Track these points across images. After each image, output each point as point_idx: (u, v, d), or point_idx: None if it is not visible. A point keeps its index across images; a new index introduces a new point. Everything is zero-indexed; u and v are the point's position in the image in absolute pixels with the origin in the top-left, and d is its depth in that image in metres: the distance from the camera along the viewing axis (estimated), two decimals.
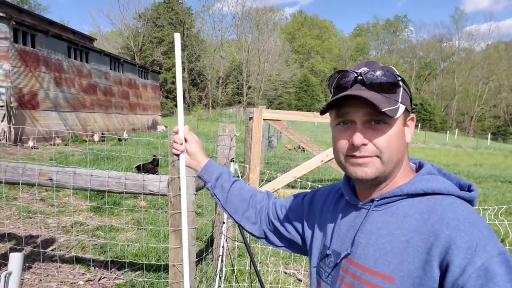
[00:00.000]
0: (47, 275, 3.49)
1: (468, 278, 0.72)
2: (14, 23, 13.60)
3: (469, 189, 0.91)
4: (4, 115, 13.23)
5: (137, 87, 25.64)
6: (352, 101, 0.87)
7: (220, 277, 3.27)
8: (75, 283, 3.40)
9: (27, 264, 3.57)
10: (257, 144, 5.50)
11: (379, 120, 0.87)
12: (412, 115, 0.95)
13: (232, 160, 3.35)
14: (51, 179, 2.73)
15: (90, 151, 9.10)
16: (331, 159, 5.27)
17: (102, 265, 3.77)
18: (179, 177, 2.37)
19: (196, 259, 2.62)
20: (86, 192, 4.99)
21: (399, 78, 0.89)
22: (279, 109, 48.97)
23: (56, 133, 15.11)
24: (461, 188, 0.92)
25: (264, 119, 5.64)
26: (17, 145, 10.93)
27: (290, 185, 6.15)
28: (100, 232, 4.73)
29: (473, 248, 0.74)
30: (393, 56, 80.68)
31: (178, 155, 1.32)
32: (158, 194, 2.67)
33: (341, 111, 0.90)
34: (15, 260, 1.46)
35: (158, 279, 3.40)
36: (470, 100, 69.67)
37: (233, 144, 3.38)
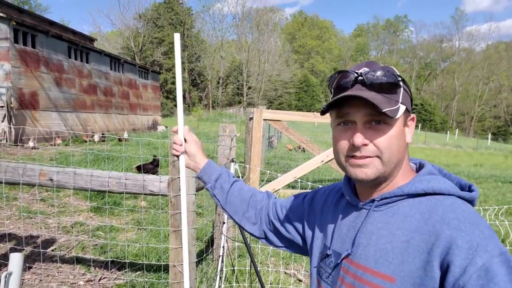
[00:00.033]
0: (48, 276, 3.49)
1: (469, 278, 0.72)
2: (14, 23, 13.61)
3: (470, 189, 0.91)
4: (5, 116, 13.23)
5: (138, 88, 25.65)
6: (352, 102, 0.87)
7: (220, 278, 3.27)
8: (75, 283, 3.40)
9: (27, 265, 3.57)
10: (258, 144, 5.50)
11: (379, 120, 0.87)
12: (412, 115, 0.95)
13: (232, 160, 3.35)
14: (51, 180, 2.73)
15: (90, 151, 9.10)
16: (331, 160, 5.27)
17: (102, 265, 3.77)
18: (179, 177, 2.38)
19: (197, 260, 2.62)
20: (86, 192, 4.99)
21: (400, 78, 0.89)
22: (279, 109, 48.95)
23: (56, 133, 15.12)
24: (462, 188, 0.92)
25: (264, 120, 5.64)
26: (18, 145, 10.94)
27: (291, 186, 6.15)
28: (101, 232, 4.73)
29: (474, 248, 0.73)
30: (393, 56, 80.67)
31: (178, 156, 1.33)
32: (158, 195, 2.67)
33: (342, 112, 0.90)
34: (16, 260, 1.46)
35: (159, 280, 3.40)
36: (470, 101, 69.66)
37: (234, 145, 3.38)
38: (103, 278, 3.52)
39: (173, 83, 49.19)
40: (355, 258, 0.91)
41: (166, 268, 3.49)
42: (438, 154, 21.33)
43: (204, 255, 3.80)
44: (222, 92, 58.75)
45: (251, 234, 1.30)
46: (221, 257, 3.33)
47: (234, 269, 3.60)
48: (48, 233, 4.56)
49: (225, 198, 1.30)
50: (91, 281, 3.45)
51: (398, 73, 0.89)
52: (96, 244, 4.31)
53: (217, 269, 3.32)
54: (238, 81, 58.35)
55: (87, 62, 19.27)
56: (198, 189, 2.59)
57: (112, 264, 3.77)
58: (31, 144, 11.98)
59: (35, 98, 14.96)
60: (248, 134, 5.95)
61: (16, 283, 1.45)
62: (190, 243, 2.41)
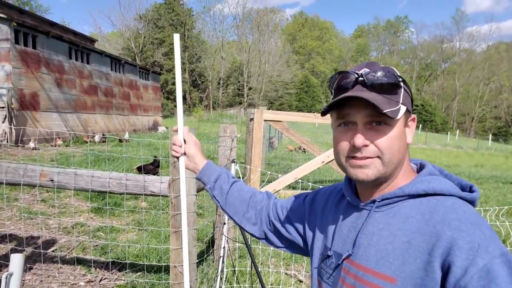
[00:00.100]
0: (48, 276, 3.49)
1: (470, 279, 0.72)
2: (15, 24, 13.63)
3: (471, 190, 0.91)
4: (5, 116, 13.25)
5: (138, 88, 25.67)
6: (353, 102, 0.87)
7: (221, 278, 3.27)
8: (76, 284, 3.40)
9: (28, 265, 3.57)
10: (258, 145, 5.50)
11: (380, 121, 0.87)
12: (413, 115, 0.95)
13: (233, 161, 3.35)
14: (52, 180, 2.73)
15: (91, 152, 9.10)
16: (332, 160, 5.27)
17: (103, 266, 3.76)
18: (180, 178, 2.38)
19: (197, 260, 2.62)
20: (87, 193, 4.99)
21: (400, 79, 0.88)
22: (280, 110, 48.99)
23: (57, 134, 15.13)
24: (463, 189, 0.91)
25: (265, 120, 5.64)
26: (18, 146, 10.94)
27: (291, 186, 6.15)
28: (101, 233, 4.73)
29: (475, 249, 0.73)
30: (394, 57, 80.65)
31: (177, 157, 1.33)
32: (159, 195, 2.67)
33: (342, 112, 0.90)
34: (16, 261, 1.46)
35: (159, 280, 3.40)
36: (471, 101, 69.62)
37: (234, 145, 3.38)
38: (104, 279, 3.52)
39: (174, 84, 49.21)
40: (356, 258, 0.91)
41: (167, 269, 3.49)
42: (439, 155, 21.32)
43: (205, 255, 3.80)
44: (223, 93, 58.77)
45: (251, 234, 1.30)
46: (221, 258, 3.33)
47: (235, 270, 3.60)
48: (48, 234, 4.56)
49: (224, 199, 1.30)
50: (92, 281, 3.45)
51: (399, 74, 0.89)
52: (97, 245, 4.31)
53: (217, 269, 3.32)
54: (238, 81, 58.38)
55: (87, 63, 19.29)
56: (198, 190, 2.59)
57: (113, 265, 3.77)
58: (31, 144, 11.99)
59: (36, 99, 14.98)
60: (248, 134, 5.94)
61: (16, 283, 1.45)
62: (191, 244, 2.41)
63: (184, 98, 52.78)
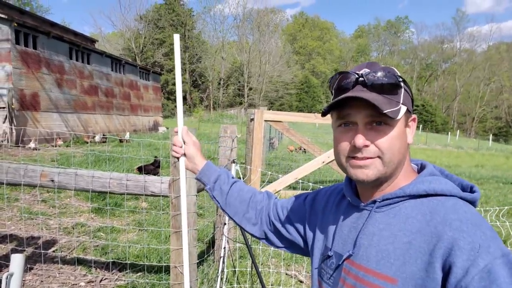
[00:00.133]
0: (49, 277, 3.49)
1: (471, 279, 0.71)
2: (16, 24, 13.64)
3: (472, 190, 0.90)
4: (6, 117, 13.26)
5: (138, 89, 25.68)
6: (353, 103, 0.87)
7: (221, 279, 3.27)
8: (76, 284, 3.40)
9: (28, 266, 3.57)
10: (259, 145, 5.50)
11: (380, 121, 0.87)
12: (413, 116, 0.95)
13: (233, 161, 3.35)
14: (52, 181, 2.73)
15: (91, 152, 9.11)
16: (332, 161, 5.27)
17: (103, 266, 3.76)
18: (180, 178, 2.38)
19: (198, 261, 2.62)
20: (87, 193, 5.00)
21: (400, 79, 0.88)
22: (280, 110, 49.00)
23: (57, 134, 15.14)
24: (464, 189, 0.91)
25: (265, 120, 5.65)
26: (19, 146, 10.95)
27: (292, 186, 6.15)
28: (102, 234, 4.73)
29: (476, 250, 0.73)
30: (394, 57, 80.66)
31: (178, 158, 1.33)
32: (159, 195, 2.67)
33: (343, 113, 0.90)
34: (17, 261, 1.46)
35: (160, 281, 3.39)
36: (471, 101, 69.59)
37: (235, 145, 3.38)
38: (104, 279, 3.52)
39: (174, 84, 48.86)
40: (356, 259, 0.91)
41: (167, 269, 3.49)
42: (439, 155, 21.31)
43: (205, 256, 3.80)
44: (223, 93, 58.79)
45: (251, 234, 1.30)
46: (222, 258, 3.33)
47: (235, 270, 3.60)
48: (49, 234, 4.56)
49: (224, 199, 1.30)
50: (92, 282, 3.45)
51: (399, 74, 0.89)
52: (97, 245, 4.31)
53: (218, 270, 3.32)
54: (239, 82, 58.40)
55: (88, 63, 19.30)
56: (199, 190, 2.59)
57: (113, 265, 3.77)
58: (32, 145, 11.99)
59: (36, 99, 14.99)
60: (249, 135, 5.95)
61: (17, 284, 1.45)
62: (191, 244, 2.41)
63: (184, 98, 52.80)
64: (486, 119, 68.83)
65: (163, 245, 4.08)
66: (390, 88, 0.87)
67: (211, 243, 4.12)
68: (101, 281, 3.48)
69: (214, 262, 3.72)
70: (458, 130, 55.23)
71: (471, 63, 71.15)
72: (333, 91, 0.95)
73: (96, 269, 3.68)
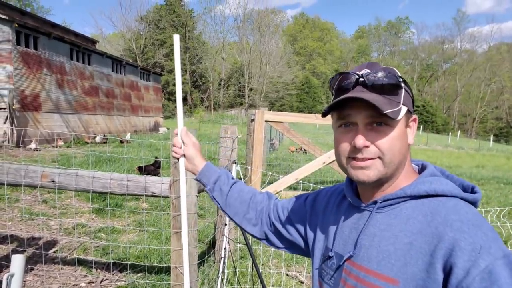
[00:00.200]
0: (49, 277, 3.49)
1: (472, 280, 0.71)
2: (16, 25, 13.66)
3: (473, 191, 0.90)
4: (7, 117, 13.27)
5: (139, 89, 25.70)
6: (353, 103, 0.87)
7: (222, 279, 3.27)
8: (77, 285, 3.40)
9: (29, 266, 3.57)
10: (259, 145, 5.50)
11: (381, 122, 0.87)
12: (414, 116, 0.95)
13: (234, 162, 3.35)
14: (53, 181, 2.73)
15: (92, 153, 9.11)
16: (332, 161, 5.27)
17: (104, 267, 3.77)
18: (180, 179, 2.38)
19: (198, 261, 2.62)
20: (88, 194, 5.00)
21: (401, 80, 0.88)
22: (281, 111, 48.98)
23: (58, 135, 15.16)
24: (465, 190, 0.91)
25: (266, 121, 5.65)
26: (20, 147, 10.96)
27: (292, 187, 6.15)
28: (102, 234, 4.73)
29: (477, 250, 0.73)
30: (395, 57, 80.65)
31: (178, 159, 1.33)
32: (160, 196, 2.67)
33: (343, 113, 0.90)
34: (17, 262, 1.46)
35: (160, 281, 3.39)
36: (472, 102, 69.56)
37: (235, 146, 3.38)
38: (105, 280, 3.52)
39: (175, 85, 48.81)
40: (357, 260, 0.91)
41: (168, 270, 3.49)
42: (440, 156, 21.29)
43: (206, 256, 3.79)
44: (224, 94, 58.80)
45: (252, 235, 1.30)
46: (222, 259, 3.32)
47: (236, 271, 3.60)
48: (50, 235, 4.56)
49: (224, 200, 1.30)
50: (93, 282, 3.45)
51: (399, 74, 0.89)
52: (98, 246, 4.31)
53: (218, 270, 3.32)
54: (239, 82, 58.42)
55: (89, 64, 19.32)
56: (199, 191, 2.59)
57: (114, 266, 3.77)
58: (33, 145, 12.01)
59: (37, 100, 15.00)
60: (249, 135, 5.94)
61: (18, 284, 1.45)
62: (192, 245, 2.41)
63: (185, 99, 52.85)
64: (486, 119, 68.78)
65: (164, 246, 4.08)
66: (390, 88, 0.87)
67: (212, 244, 4.12)
68: (101, 281, 3.48)
69: (214, 262, 3.72)
70: (459, 131, 55.19)
71: (472, 63, 71.12)
72: (333, 92, 0.95)
73: (96, 269, 3.68)
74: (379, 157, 0.87)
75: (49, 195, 6.12)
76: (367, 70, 0.89)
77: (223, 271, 3.30)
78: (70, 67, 17.43)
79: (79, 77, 18.23)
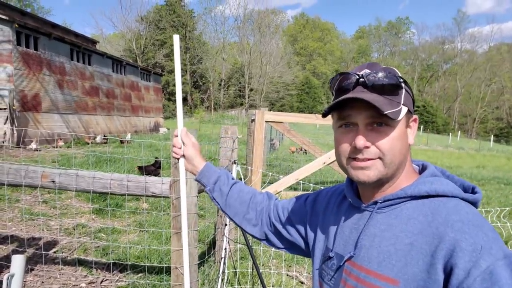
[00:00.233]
0: (49, 277, 3.49)
1: (473, 281, 0.71)
2: (17, 26, 13.67)
3: (473, 191, 0.90)
4: (7, 118, 13.28)
5: (139, 90, 25.71)
6: (354, 104, 0.87)
7: (222, 280, 3.27)
8: (77, 285, 3.40)
9: (29, 266, 3.57)
10: (259, 146, 5.50)
11: (381, 122, 0.86)
12: (414, 116, 0.95)
13: (234, 162, 3.35)
14: (53, 181, 2.73)
15: (92, 153, 9.11)
16: (333, 161, 5.27)
17: (104, 267, 3.77)
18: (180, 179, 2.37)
19: (199, 262, 2.61)
20: (88, 194, 5.00)
21: (401, 80, 0.88)
22: (281, 111, 48.97)
23: (58, 135, 15.16)
24: (465, 190, 0.91)
25: (266, 121, 5.64)
26: (20, 147, 10.97)
27: (292, 187, 6.15)
28: (102, 234, 4.73)
29: (477, 251, 0.73)
30: (395, 58, 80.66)
31: (178, 159, 1.33)
32: (160, 196, 2.67)
33: (343, 114, 0.90)
34: (18, 262, 1.46)
35: (161, 282, 3.39)
36: (472, 102, 69.55)
37: (235, 146, 3.38)
38: (105, 280, 3.52)
39: (175, 85, 49.17)
40: (357, 260, 0.91)
41: (168, 270, 3.49)
42: (440, 156, 21.29)
43: (206, 257, 3.79)
44: (224, 94, 58.82)
45: (252, 235, 1.30)
46: (223, 259, 3.32)
47: (236, 271, 3.59)
48: (50, 235, 4.56)
49: (224, 200, 1.30)
50: (93, 283, 3.45)
51: (400, 75, 0.89)
52: (98, 246, 4.31)
53: (219, 271, 3.32)
54: (240, 83, 58.44)
55: (89, 64, 19.33)
56: (200, 191, 2.59)
57: (114, 266, 3.77)
58: (33, 146, 12.01)
59: (38, 100, 15.01)
60: (250, 136, 5.94)
61: (18, 285, 1.45)
62: (192, 245, 2.41)
63: (185, 99, 52.86)
64: (487, 120, 68.77)
65: (164, 246, 4.08)
66: (390, 88, 0.87)
67: (212, 244, 4.12)
68: (102, 282, 3.48)
69: (215, 263, 3.72)
70: (459, 131, 55.18)
71: (472, 64, 71.11)
72: (333, 92, 0.94)
73: (97, 270, 3.68)
74: (379, 158, 0.87)
75: (49, 196, 6.12)
76: (368, 71, 0.88)
77: (223, 272, 3.30)
78: (70, 67, 17.44)
79: (79, 77, 18.24)
